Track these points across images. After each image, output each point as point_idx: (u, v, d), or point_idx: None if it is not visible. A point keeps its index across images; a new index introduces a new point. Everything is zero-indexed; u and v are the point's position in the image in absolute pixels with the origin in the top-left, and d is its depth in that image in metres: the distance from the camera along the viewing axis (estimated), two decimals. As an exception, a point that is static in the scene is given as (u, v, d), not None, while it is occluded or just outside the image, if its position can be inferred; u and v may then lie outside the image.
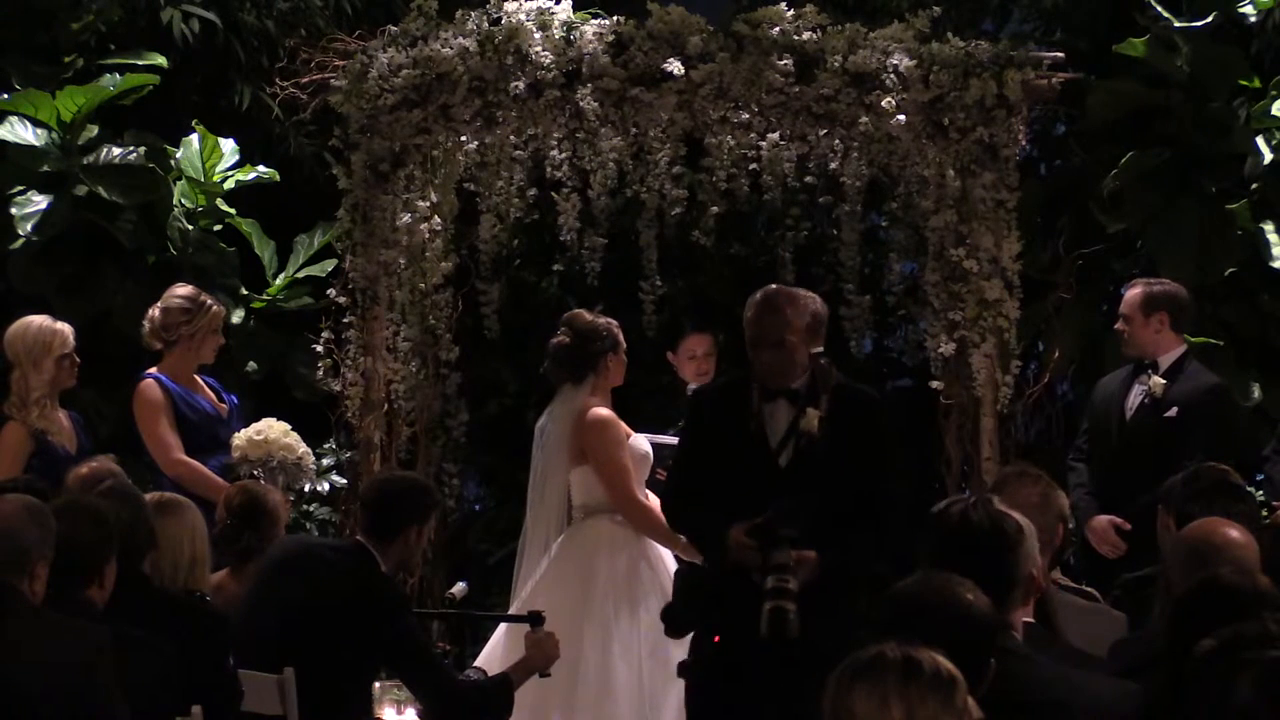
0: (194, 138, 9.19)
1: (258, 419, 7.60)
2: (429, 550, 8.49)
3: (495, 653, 6.96)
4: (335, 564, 5.95)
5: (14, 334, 7.43)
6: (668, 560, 7.10)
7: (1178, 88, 8.97)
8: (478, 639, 7.86)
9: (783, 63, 7.93)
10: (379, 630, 5.80)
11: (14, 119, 8.94)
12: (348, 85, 8.15)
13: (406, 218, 8.43)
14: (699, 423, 6.04)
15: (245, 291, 9.32)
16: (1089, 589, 5.88)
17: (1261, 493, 7.21)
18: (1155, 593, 5.35)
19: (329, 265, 8.99)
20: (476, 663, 6.75)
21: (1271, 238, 8.63)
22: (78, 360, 7.46)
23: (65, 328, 7.45)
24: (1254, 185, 8.76)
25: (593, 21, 8.12)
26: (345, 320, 8.29)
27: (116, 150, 8.95)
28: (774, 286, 6.07)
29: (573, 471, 7.21)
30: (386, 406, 8.39)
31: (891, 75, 7.93)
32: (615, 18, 8.14)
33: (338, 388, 8.28)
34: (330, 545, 6.36)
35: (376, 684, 6.34)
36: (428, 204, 8.53)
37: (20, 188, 8.88)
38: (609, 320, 7.45)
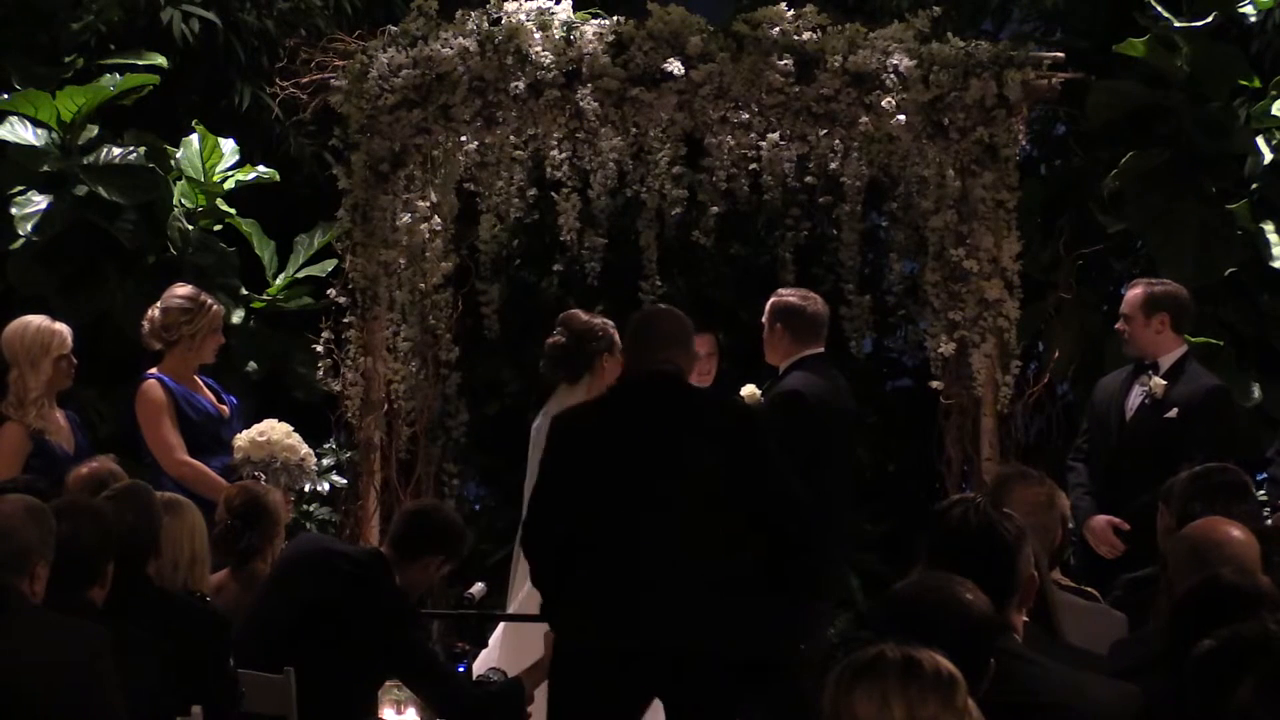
0: (194, 138, 9.19)
1: (258, 419, 7.60)
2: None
3: (493, 654, 6.95)
4: (349, 569, 5.96)
5: (12, 334, 7.42)
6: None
7: (1178, 88, 8.97)
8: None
9: (783, 63, 7.93)
10: (385, 640, 5.82)
11: (14, 119, 8.94)
12: (348, 85, 8.14)
13: (406, 218, 8.42)
14: None
15: (245, 291, 9.32)
16: (1089, 589, 5.87)
17: (1263, 493, 7.22)
18: (1156, 592, 5.34)
19: (329, 265, 8.99)
20: (476, 663, 6.75)
21: (1271, 238, 8.63)
22: (75, 361, 7.46)
23: (63, 328, 7.45)
24: (1254, 185, 8.76)
25: (593, 21, 8.12)
26: (345, 320, 8.29)
27: (116, 150, 8.95)
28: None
29: (568, 471, 7.20)
30: (386, 406, 8.39)
31: (891, 75, 7.93)
32: (615, 18, 8.13)
33: (338, 388, 8.27)
34: (347, 551, 6.33)
35: (377, 685, 6.35)
36: (428, 204, 8.52)
37: (20, 188, 8.88)
38: (605, 320, 7.45)
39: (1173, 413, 7.50)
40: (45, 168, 8.92)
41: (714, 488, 5.50)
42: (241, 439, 7.44)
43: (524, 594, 7.06)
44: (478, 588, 6.77)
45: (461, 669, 6.49)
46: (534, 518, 5.73)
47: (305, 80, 8.36)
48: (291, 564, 6.08)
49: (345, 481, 8.54)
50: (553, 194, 8.81)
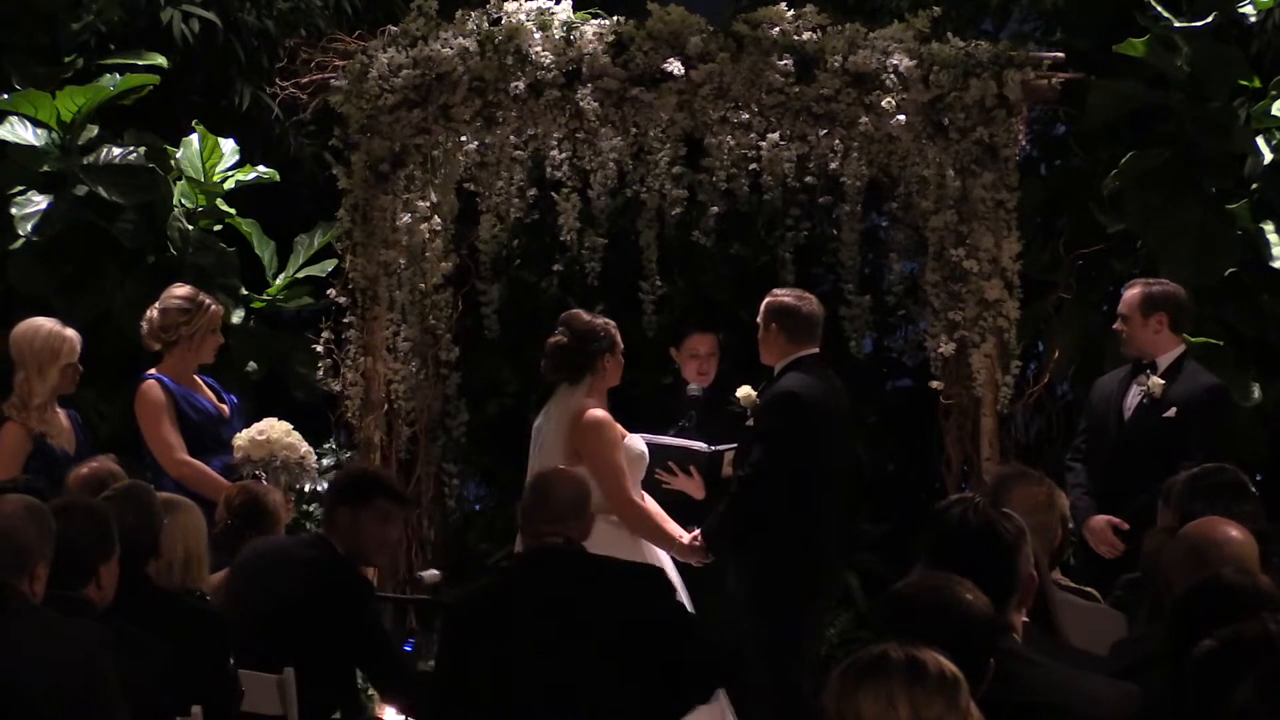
0: (194, 138, 9.19)
1: (258, 419, 7.59)
2: (428, 550, 8.50)
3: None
4: (300, 558, 5.98)
5: (22, 336, 7.40)
6: (664, 561, 7.11)
7: (1178, 88, 8.96)
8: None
9: (783, 63, 7.94)
10: (344, 618, 5.81)
11: (14, 119, 8.93)
12: (348, 85, 8.15)
13: (406, 218, 8.43)
14: None
15: (245, 291, 9.31)
16: (1089, 589, 5.88)
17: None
18: (1142, 595, 5.35)
19: (329, 265, 8.99)
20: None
21: (1271, 238, 8.62)
22: (80, 368, 7.46)
23: (73, 335, 7.44)
24: (1254, 185, 8.75)
25: (593, 21, 8.12)
26: (345, 320, 8.30)
27: (116, 150, 8.94)
28: None
29: (568, 472, 7.21)
30: (386, 406, 8.40)
31: (891, 75, 7.93)
32: (615, 18, 8.14)
33: (338, 388, 8.28)
34: (294, 541, 6.39)
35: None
36: (428, 204, 8.53)
37: (20, 188, 8.87)
38: (606, 320, 7.45)
39: (1171, 412, 7.50)
40: (45, 168, 8.91)
41: (613, 663, 5.23)
42: (241, 438, 7.44)
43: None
44: (430, 574, 6.77)
45: (408, 648, 6.52)
46: (432, 710, 5.55)
47: (305, 80, 8.36)
48: (246, 572, 6.06)
49: (345, 481, 8.53)
50: (553, 194, 8.81)
